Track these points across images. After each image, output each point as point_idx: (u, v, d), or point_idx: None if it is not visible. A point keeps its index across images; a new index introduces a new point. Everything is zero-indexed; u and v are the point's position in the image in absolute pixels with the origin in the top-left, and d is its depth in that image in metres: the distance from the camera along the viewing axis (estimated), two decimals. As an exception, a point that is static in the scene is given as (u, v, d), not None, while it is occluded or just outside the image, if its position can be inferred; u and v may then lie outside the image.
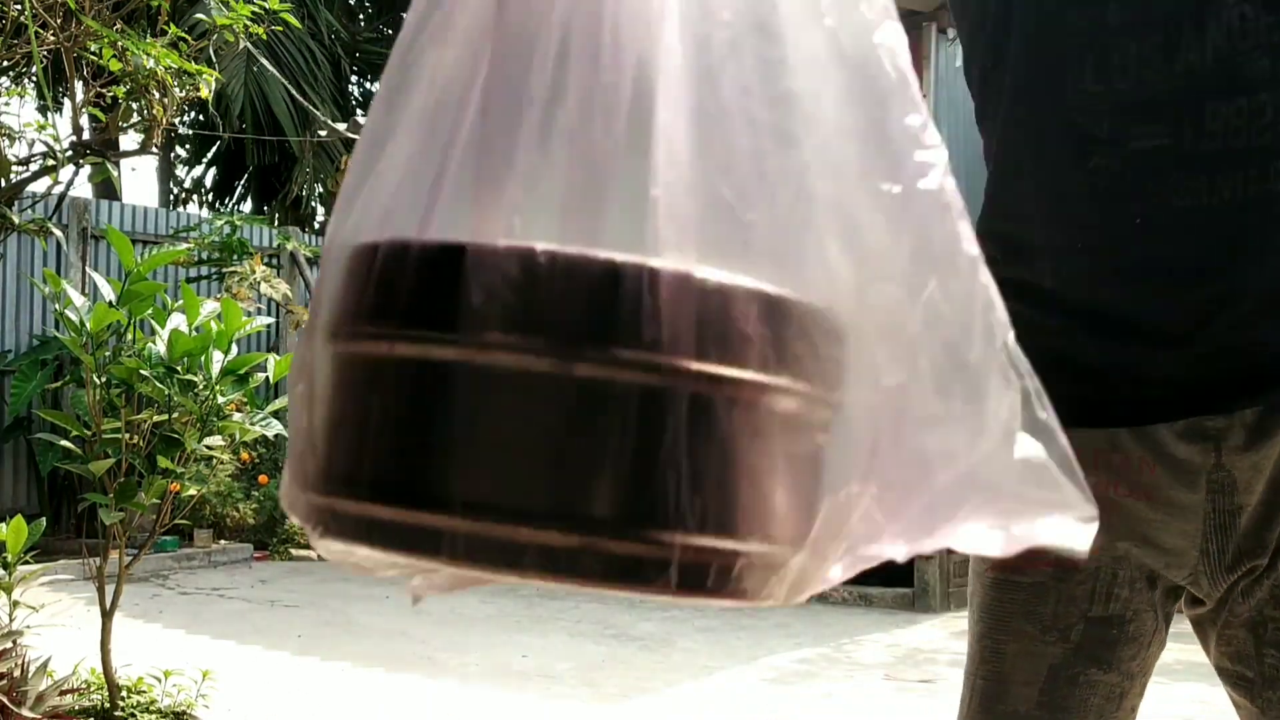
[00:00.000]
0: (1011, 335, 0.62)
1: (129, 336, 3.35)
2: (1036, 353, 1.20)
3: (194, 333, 3.30)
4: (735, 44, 0.55)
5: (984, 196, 1.22)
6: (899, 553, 0.64)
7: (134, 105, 3.62)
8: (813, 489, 0.56)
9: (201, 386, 3.27)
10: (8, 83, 5.39)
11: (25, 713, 2.98)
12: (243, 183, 13.97)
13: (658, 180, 0.51)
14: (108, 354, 3.32)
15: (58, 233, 3.61)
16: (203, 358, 3.27)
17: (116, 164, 5.56)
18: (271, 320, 4.46)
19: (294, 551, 8.25)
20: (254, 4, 3.65)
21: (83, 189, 18.74)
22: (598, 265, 0.50)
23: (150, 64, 3.48)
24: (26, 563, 3.18)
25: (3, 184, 3.47)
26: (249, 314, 3.73)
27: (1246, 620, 1.12)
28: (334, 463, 0.56)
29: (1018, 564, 1.16)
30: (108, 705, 3.32)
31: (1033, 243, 1.17)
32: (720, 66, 0.55)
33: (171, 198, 14.97)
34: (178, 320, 3.32)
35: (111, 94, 3.59)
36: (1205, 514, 1.11)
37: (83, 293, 3.40)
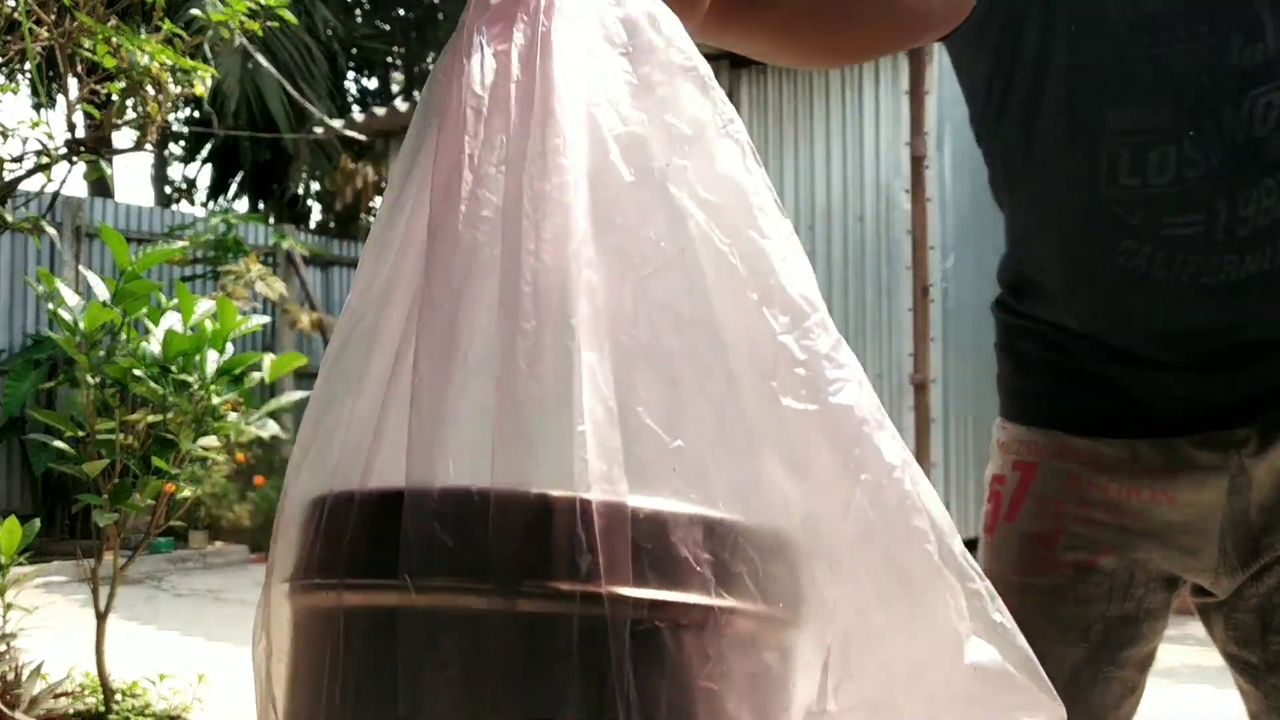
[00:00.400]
0: (957, 540, 0.66)
1: (123, 336, 3.31)
2: (1057, 364, 1.22)
3: (189, 332, 3.26)
4: (650, 279, 0.58)
5: (1006, 239, 1.26)
6: None
7: (128, 102, 3.58)
8: (778, 708, 0.57)
9: (196, 386, 3.23)
10: (1, 79, 5.35)
11: (19, 716, 2.95)
12: (238, 181, 13.94)
13: (583, 416, 0.53)
14: (102, 353, 3.29)
15: (51, 231, 3.56)
16: (198, 357, 3.24)
17: (111, 162, 5.52)
18: (267, 319, 4.41)
19: (290, 552, 8.22)
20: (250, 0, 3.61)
21: (77, 187, 18.70)
22: (531, 501, 0.52)
23: (145, 61, 3.44)
24: (20, 565, 3.15)
25: (-5, 181, 3.42)
26: (244, 313, 3.69)
27: (1255, 606, 1.17)
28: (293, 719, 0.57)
29: (1038, 567, 1.22)
30: (102, 708, 3.28)
31: (1056, 297, 1.22)
32: (636, 303, 0.57)
33: (166, 196, 14.93)
34: (172, 319, 3.29)
35: (106, 91, 3.55)
36: (1224, 514, 1.16)
37: (76, 291, 3.36)
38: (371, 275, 0.60)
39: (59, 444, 3.29)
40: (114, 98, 3.55)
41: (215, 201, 14.28)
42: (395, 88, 16.53)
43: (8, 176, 3.52)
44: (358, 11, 15.91)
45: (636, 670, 0.50)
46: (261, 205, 13.34)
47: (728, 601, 0.54)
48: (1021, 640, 0.63)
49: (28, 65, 3.29)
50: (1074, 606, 1.21)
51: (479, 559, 0.52)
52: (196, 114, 12.58)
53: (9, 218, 3.48)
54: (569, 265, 0.55)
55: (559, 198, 0.55)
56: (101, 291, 3.26)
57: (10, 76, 7.74)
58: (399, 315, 0.57)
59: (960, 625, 0.61)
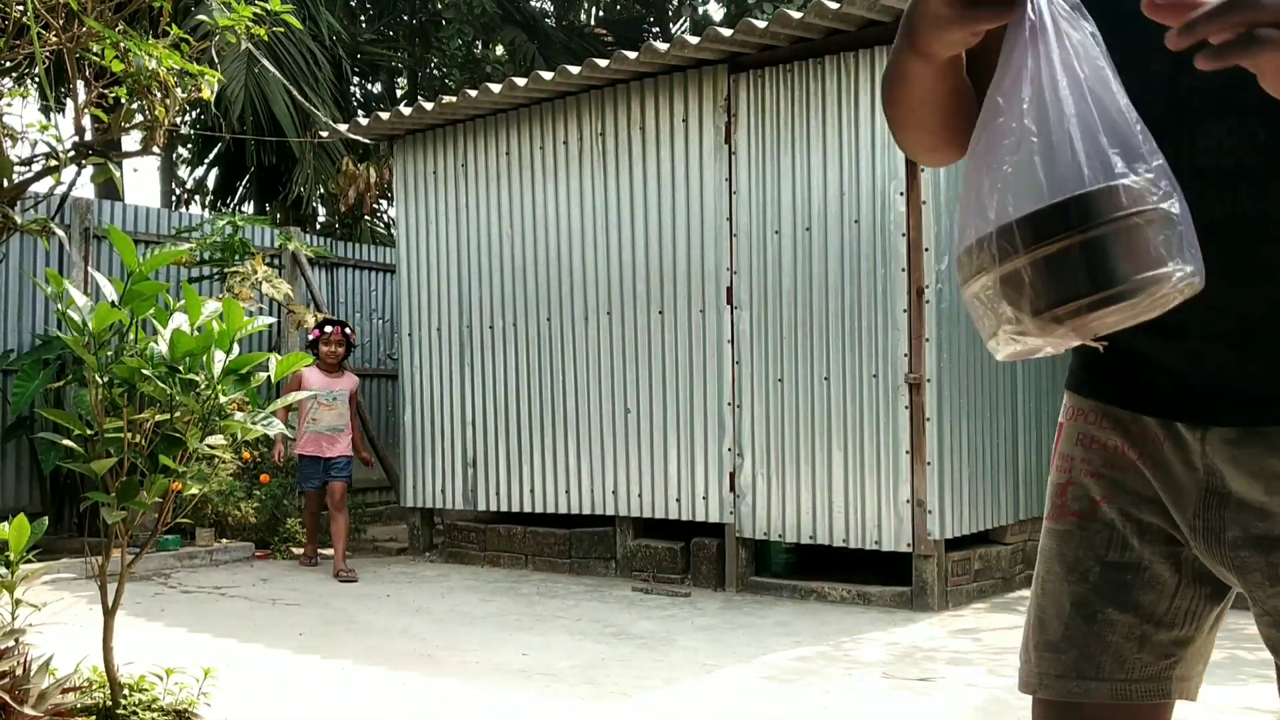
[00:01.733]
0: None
1: (131, 336, 3.36)
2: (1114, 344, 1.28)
3: (196, 332, 3.32)
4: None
5: None
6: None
7: (136, 106, 3.64)
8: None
9: (203, 386, 3.28)
10: (10, 83, 5.41)
11: (27, 711, 3.00)
12: (244, 183, 13.98)
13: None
14: (110, 353, 3.34)
15: (60, 233, 3.63)
16: (205, 357, 3.29)
17: (119, 164, 5.58)
18: (273, 320, 4.46)
19: (295, 550, 8.26)
20: (256, 5, 3.67)
21: (85, 189, 18.72)
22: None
23: (152, 65, 3.50)
24: (29, 561, 3.20)
25: (5, 184, 3.48)
26: (250, 314, 3.74)
27: (1270, 620, 1.24)
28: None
29: (1055, 514, 1.38)
30: (110, 703, 3.33)
31: None
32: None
33: (173, 198, 14.99)
34: (180, 320, 3.34)
35: (114, 95, 3.61)
36: (1198, 494, 1.25)
37: (85, 292, 3.41)
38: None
39: (67, 442, 3.34)
40: (122, 101, 3.60)
41: (222, 204, 14.34)
42: (399, 92, 16.58)
43: (17, 179, 3.58)
44: (362, 17, 15.96)
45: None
46: (268, 207, 13.39)
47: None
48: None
49: (36, 69, 3.35)
50: (1077, 549, 1.34)
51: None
52: (204, 117, 12.63)
53: (18, 219, 3.54)
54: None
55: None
56: (110, 292, 3.31)
57: (19, 80, 7.80)
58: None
59: None
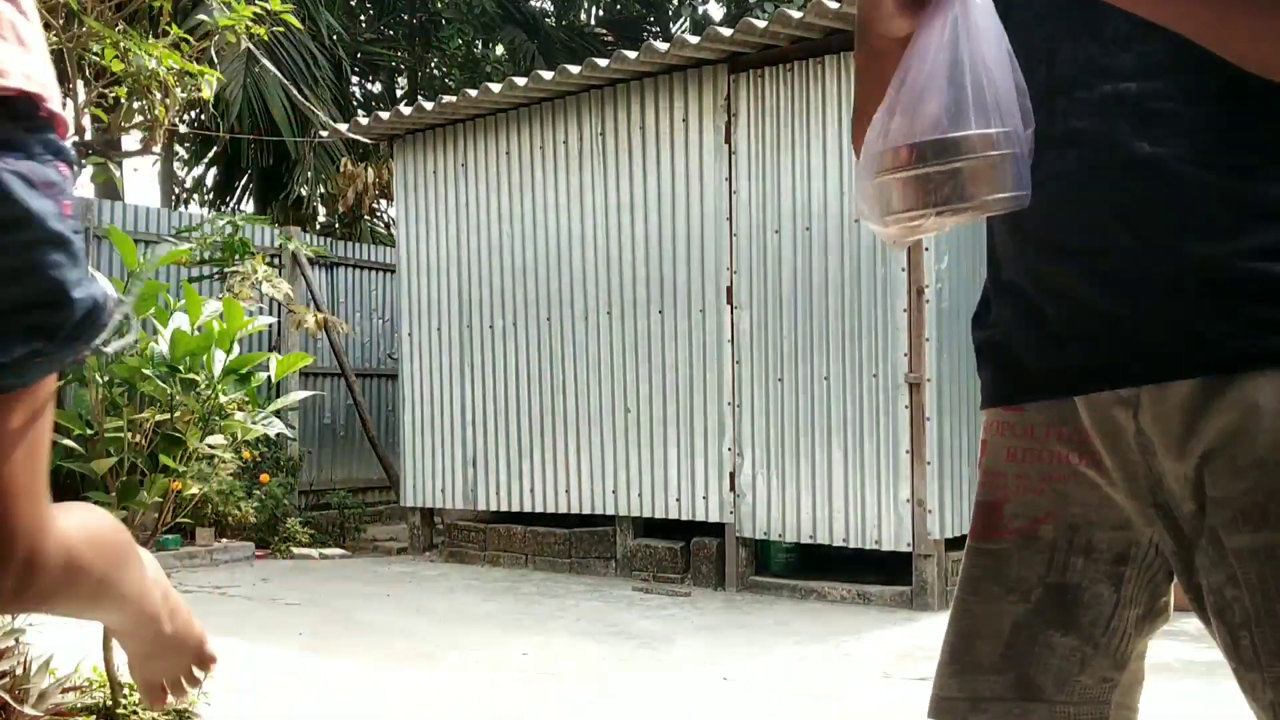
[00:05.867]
0: None
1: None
2: (985, 343, 1.33)
3: (196, 332, 3.32)
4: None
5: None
6: None
7: (136, 106, 3.64)
8: None
9: (204, 385, 3.29)
10: (10, 83, 5.39)
11: (28, 710, 3.00)
12: (243, 183, 13.99)
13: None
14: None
15: (60, 233, 3.62)
16: (205, 357, 3.29)
17: (118, 164, 5.58)
18: (273, 320, 4.47)
19: (295, 550, 8.27)
20: (255, 5, 3.67)
21: (85, 189, 18.73)
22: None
23: (152, 65, 3.50)
24: (29, 561, 3.19)
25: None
26: (251, 313, 3.75)
27: (1216, 607, 1.18)
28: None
29: (988, 534, 1.31)
30: (110, 703, 3.33)
31: (995, 255, 1.37)
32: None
33: (173, 198, 14.99)
34: (180, 320, 3.34)
35: (113, 94, 3.62)
36: (1143, 472, 1.20)
37: (85, 292, 3.42)
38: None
39: (68, 442, 3.34)
40: (121, 101, 3.61)
41: (221, 204, 14.34)
42: (399, 92, 16.59)
43: (18, 179, 3.57)
44: (362, 17, 15.97)
45: None
46: (268, 207, 13.39)
47: None
48: None
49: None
50: (1017, 569, 1.28)
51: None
52: (203, 117, 12.64)
53: (19, 220, 3.53)
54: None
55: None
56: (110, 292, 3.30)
57: (19, 80, 7.78)
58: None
59: None
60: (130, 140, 11.01)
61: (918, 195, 1.12)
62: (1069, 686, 1.27)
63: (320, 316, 9.05)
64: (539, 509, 7.54)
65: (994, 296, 1.34)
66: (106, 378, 3.30)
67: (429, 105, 7.72)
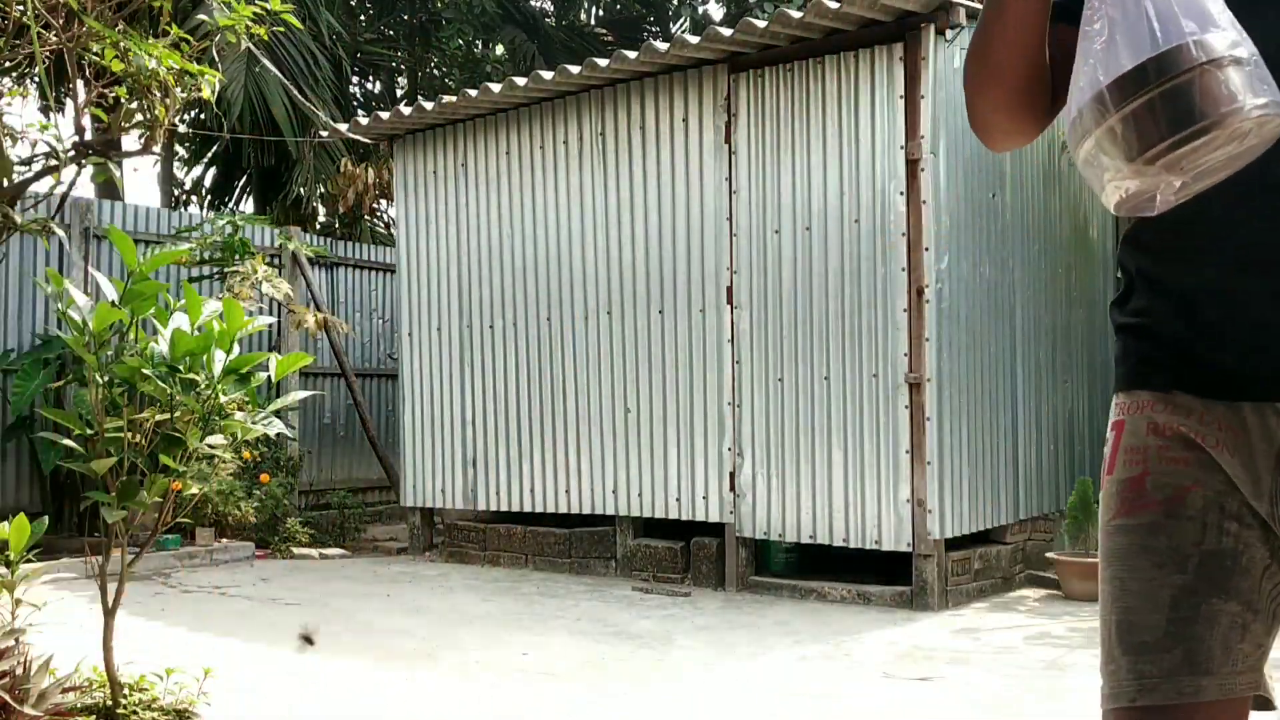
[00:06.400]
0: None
1: (131, 336, 3.37)
2: (1137, 329, 1.33)
3: (196, 332, 3.32)
4: None
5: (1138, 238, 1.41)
6: None
7: (136, 106, 3.64)
8: None
9: (203, 385, 3.29)
10: (10, 83, 5.41)
11: (28, 710, 3.00)
12: (242, 183, 13.99)
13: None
14: (110, 353, 3.34)
15: (60, 233, 3.63)
16: (205, 357, 3.29)
17: (119, 164, 5.58)
18: (273, 320, 4.47)
19: (295, 550, 8.27)
20: (255, 5, 3.67)
21: (85, 189, 18.72)
22: None
23: (152, 64, 3.50)
24: (29, 561, 3.20)
25: (5, 184, 3.49)
26: (250, 313, 3.74)
27: None
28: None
29: (1133, 510, 1.30)
30: (110, 703, 3.33)
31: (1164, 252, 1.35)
32: None
33: (173, 198, 14.99)
34: (180, 320, 3.34)
35: (113, 94, 3.61)
36: (1274, 480, 1.24)
37: (85, 292, 3.42)
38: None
39: (68, 442, 3.34)
40: (122, 101, 3.60)
41: (221, 204, 14.34)
42: (399, 92, 16.58)
43: (17, 179, 3.58)
44: (362, 17, 15.96)
45: None
46: (267, 207, 13.39)
47: None
48: None
49: (36, 69, 3.35)
50: (1168, 540, 1.27)
51: None
52: (203, 116, 12.63)
53: (19, 219, 3.54)
54: None
55: None
56: (110, 292, 3.31)
57: (19, 80, 7.80)
58: None
59: None
60: (130, 140, 11.01)
61: (1149, 131, 1.05)
62: (1233, 656, 1.25)
63: (320, 316, 9.05)
64: (539, 509, 7.54)
65: (1147, 287, 1.34)
66: (106, 378, 3.30)
67: (429, 105, 7.72)
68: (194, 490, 3.47)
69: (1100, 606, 1.34)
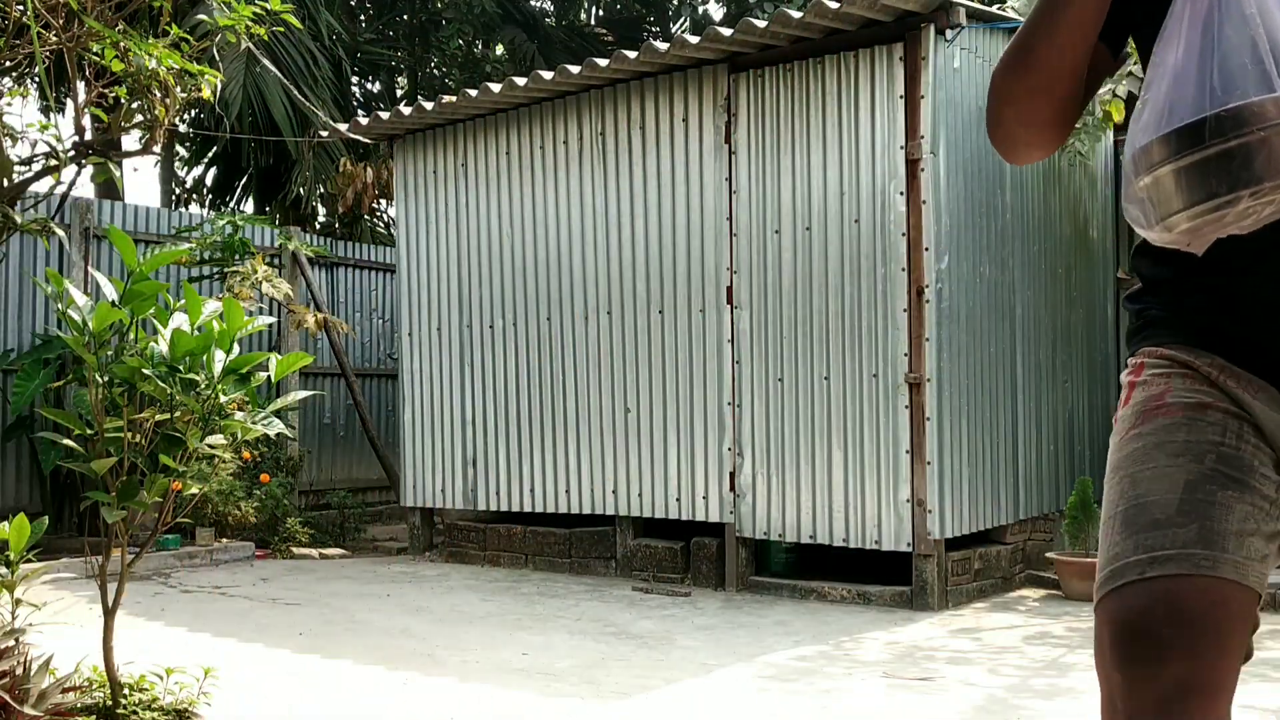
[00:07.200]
0: None
1: (131, 336, 3.37)
2: (1196, 317, 1.30)
3: (196, 332, 3.32)
4: None
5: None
6: None
7: (136, 106, 3.64)
8: None
9: (204, 385, 3.29)
10: (10, 83, 5.41)
11: (28, 710, 3.00)
12: (242, 183, 13.99)
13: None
14: (110, 353, 3.34)
15: (60, 232, 3.63)
16: (205, 357, 3.29)
17: (119, 164, 5.58)
18: (273, 320, 4.47)
19: (295, 550, 8.27)
20: (255, 5, 3.67)
21: (85, 189, 18.71)
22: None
23: (152, 64, 3.50)
24: (29, 561, 3.20)
25: (5, 184, 3.49)
26: (251, 313, 3.75)
27: None
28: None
29: (1150, 416, 1.29)
30: (110, 703, 3.33)
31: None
32: None
33: (173, 198, 14.99)
34: (180, 320, 3.34)
35: (113, 94, 3.62)
36: None
37: (85, 292, 3.42)
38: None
39: (68, 442, 3.34)
40: (122, 101, 3.61)
41: (221, 203, 14.33)
42: (399, 92, 16.58)
43: (17, 179, 3.58)
44: (362, 17, 15.96)
45: None
46: (267, 207, 13.39)
47: None
48: None
49: (36, 69, 3.35)
50: (1186, 434, 1.26)
51: None
52: (203, 116, 12.63)
53: (19, 219, 3.54)
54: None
55: None
56: (110, 292, 3.31)
57: (19, 80, 7.80)
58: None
59: None
60: (130, 140, 11.02)
61: (1200, 186, 1.00)
62: (1246, 544, 1.22)
63: (320, 316, 9.04)
64: (539, 509, 7.54)
65: (1174, 288, 1.33)
66: (106, 377, 3.30)
67: (429, 105, 7.72)
68: (194, 490, 3.47)
69: (1105, 507, 1.31)
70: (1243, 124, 0.98)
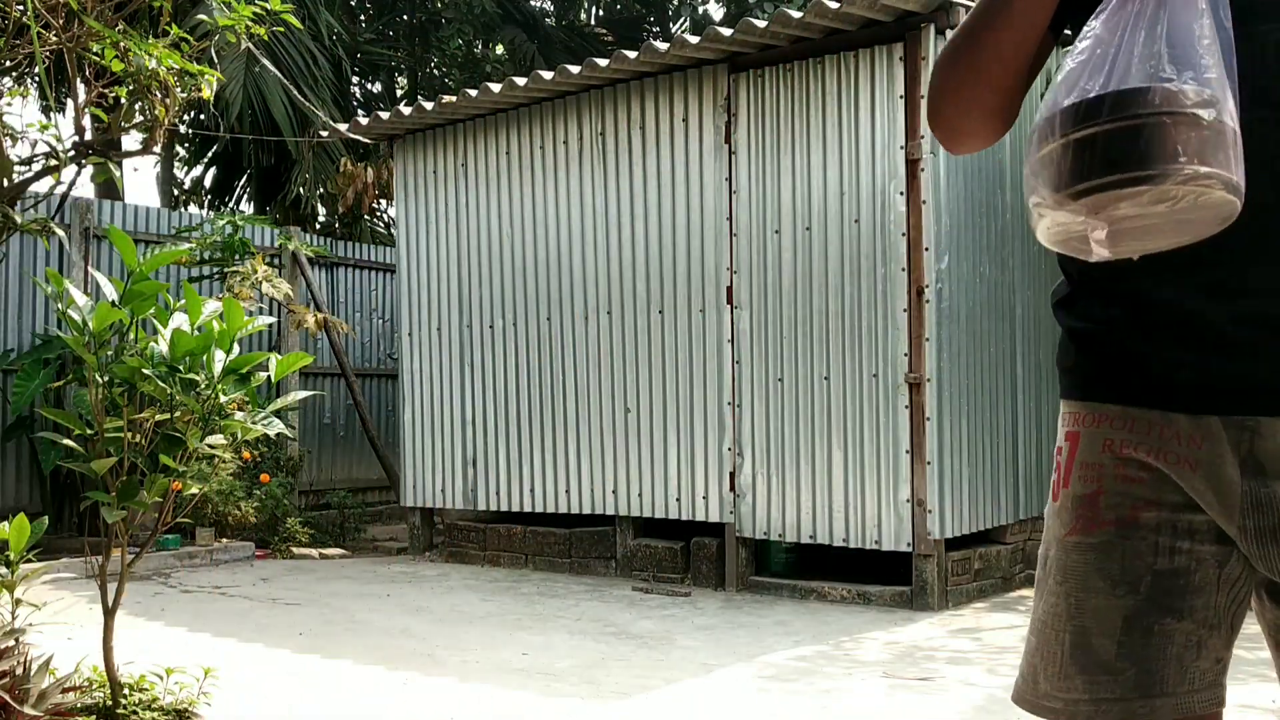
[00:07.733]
0: None
1: (131, 336, 3.36)
2: (1093, 337, 1.29)
3: (196, 332, 3.32)
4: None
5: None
6: None
7: (136, 105, 3.64)
8: None
9: (203, 385, 3.29)
10: (10, 83, 5.41)
11: (28, 710, 3.00)
12: (242, 183, 13.99)
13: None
14: (110, 353, 3.34)
15: (60, 232, 3.63)
16: (205, 357, 3.29)
17: (119, 164, 5.58)
18: (273, 320, 4.47)
19: (295, 550, 8.27)
20: (255, 5, 3.67)
21: (85, 189, 18.71)
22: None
23: (152, 64, 3.50)
24: (29, 561, 3.20)
25: (5, 184, 3.48)
26: (250, 313, 3.75)
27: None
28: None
29: (1085, 526, 1.29)
30: (110, 703, 3.33)
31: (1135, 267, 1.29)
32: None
33: (173, 198, 14.99)
34: (180, 320, 3.34)
35: (113, 94, 3.61)
36: (1243, 492, 1.21)
37: (85, 292, 3.41)
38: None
39: (68, 442, 3.34)
40: (122, 101, 3.60)
41: (221, 204, 14.33)
42: (399, 92, 16.58)
43: (17, 179, 3.58)
44: (362, 17, 15.96)
45: None
46: (267, 207, 13.39)
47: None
48: None
49: (36, 69, 3.35)
50: (1120, 560, 1.26)
51: None
52: (202, 117, 12.63)
53: (19, 219, 3.54)
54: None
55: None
56: (110, 292, 3.31)
57: (19, 80, 7.80)
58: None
59: None
60: (130, 140, 11.01)
61: (1087, 164, 1.00)
62: (1189, 674, 1.25)
63: (320, 316, 9.05)
64: (539, 509, 7.54)
65: (1095, 291, 1.31)
66: (106, 377, 3.30)
67: (429, 105, 7.72)
68: (194, 490, 3.47)
69: (1048, 616, 1.32)
70: (1136, 106, 0.99)
